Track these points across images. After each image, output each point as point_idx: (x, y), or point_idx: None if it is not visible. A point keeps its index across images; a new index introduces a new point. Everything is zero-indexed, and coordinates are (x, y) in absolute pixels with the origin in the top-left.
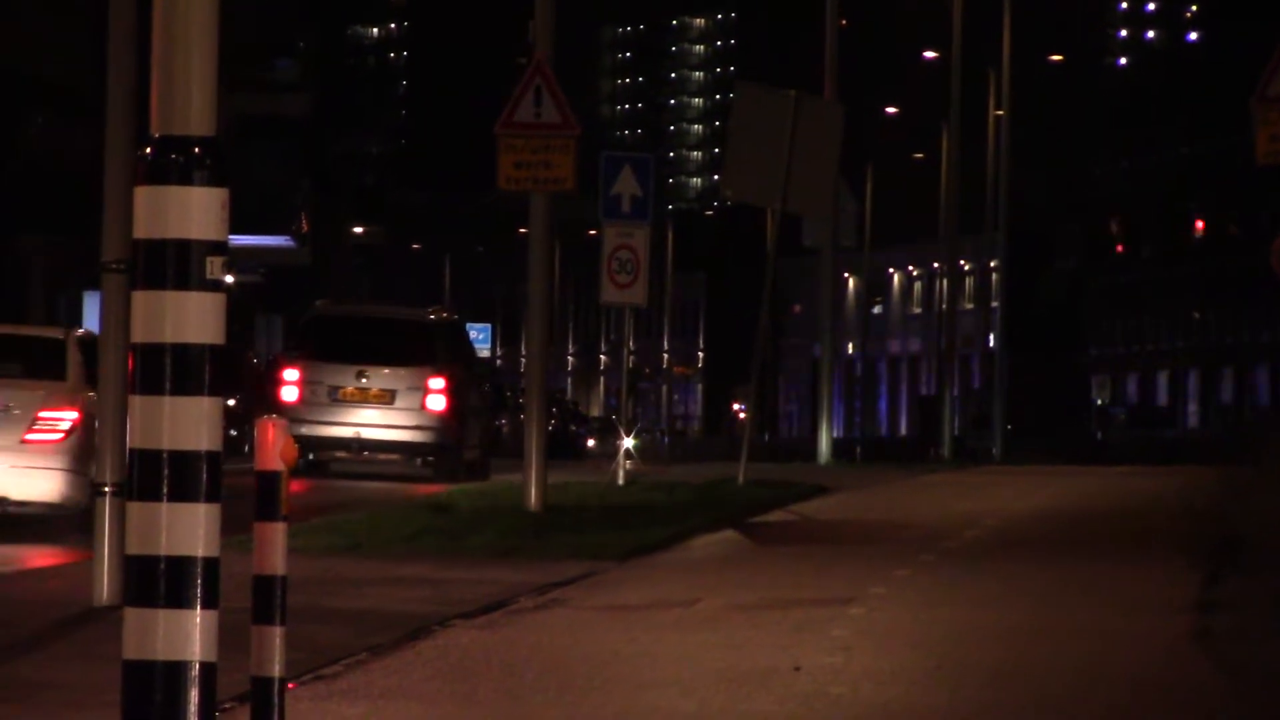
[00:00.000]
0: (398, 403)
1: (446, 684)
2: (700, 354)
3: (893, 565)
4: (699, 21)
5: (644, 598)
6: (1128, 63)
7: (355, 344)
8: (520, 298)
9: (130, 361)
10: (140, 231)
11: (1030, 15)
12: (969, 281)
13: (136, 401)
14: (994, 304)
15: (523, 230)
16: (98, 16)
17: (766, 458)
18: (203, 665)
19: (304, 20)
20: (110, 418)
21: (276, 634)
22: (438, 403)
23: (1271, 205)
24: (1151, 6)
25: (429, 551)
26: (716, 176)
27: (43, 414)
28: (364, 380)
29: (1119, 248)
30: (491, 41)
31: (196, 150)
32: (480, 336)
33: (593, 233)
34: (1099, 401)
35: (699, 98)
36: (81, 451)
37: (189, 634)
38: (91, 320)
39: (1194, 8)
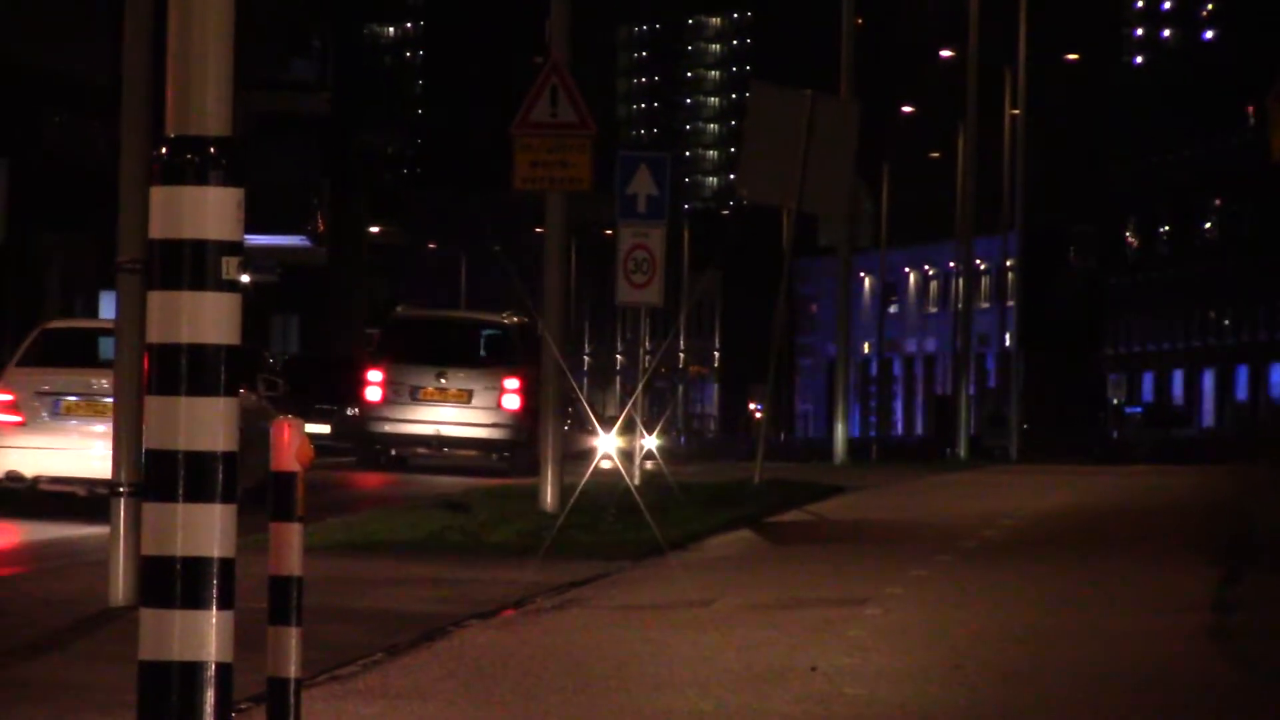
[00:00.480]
0: (475, 401)
1: (463, 684)
2: (716, 353)
3: (910, 565)
4: (715, 20)
5: (660, 598)
6: (1144, 61)
7: (434, 346)
8: (536, 297)
9: (146, 361)
10: (156, 231)
11: (1046, 14)
12: (985, 281)
13: (152, 402)
14: (1010, 303)
15: (539, 230)
16: (115, 14)
17: (783, 457)
18: (219, 666)
19: (321, 19)
20: (126, 418)
21: (293, 634)
22: (513, 401)
23: None
24: (1167, 5)
25: (445, 551)
26: (732, 176)
27: None
28: (443, 380)
29: (1135, 246)
30: (508, 41)
31: (212, 150)
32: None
33: (609, 232)
34: (1115, 400)
35: (715, 97)
36: None
37: (205, 634)
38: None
39: (1210, 6)
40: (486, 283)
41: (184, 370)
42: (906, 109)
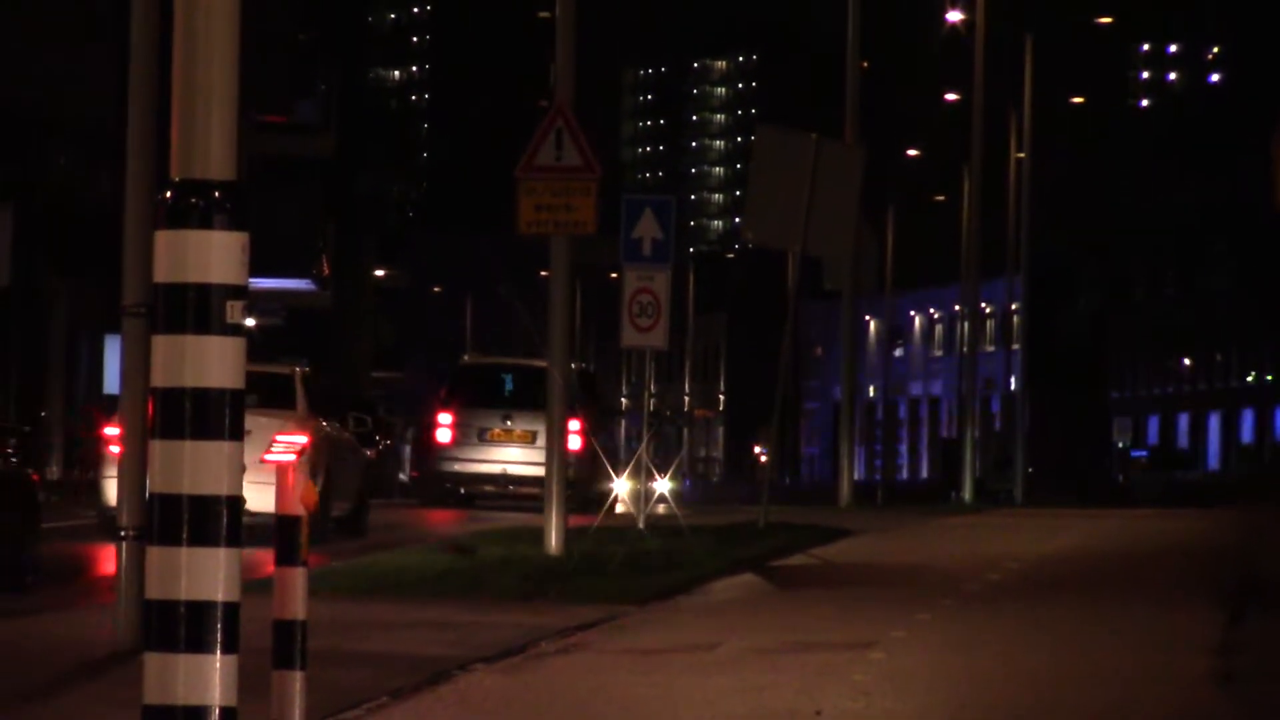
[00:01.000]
0: (538, 442)
1: None
2: (721, 396)
3: (914, 609)
4: (720, 64)
5: (665, 641)
6: (1149, 104)
7: (500, 391)
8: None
9: (150, 406)
10: (160, 275)
11: (1052, 57)
12: (990, 323)
13: (157, 446)
14: (1015, 346)
15: (544, 273)
16: (120, 58)
17: (788, 500)
18: (223, 710)
19: (326, 62)
20: (131, 462)
21: (297, 678)
22: (574, 442)
23: None
24: (1173, 48)
25: (450, 595)
26: (738, 219)
27: (279, 437)
28: (509, 423)
29: (1140, 289)
30: (513, 84)
31: (217, 194)
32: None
33: (614, 275)
34: (1120, 444)
35: (720, 140)
36: (311, 470)
37: (209, 678)
38: (112, 363)
39: (1215, 49)
40: (492, 324)
41: (188, 414)
42: (911, 152)
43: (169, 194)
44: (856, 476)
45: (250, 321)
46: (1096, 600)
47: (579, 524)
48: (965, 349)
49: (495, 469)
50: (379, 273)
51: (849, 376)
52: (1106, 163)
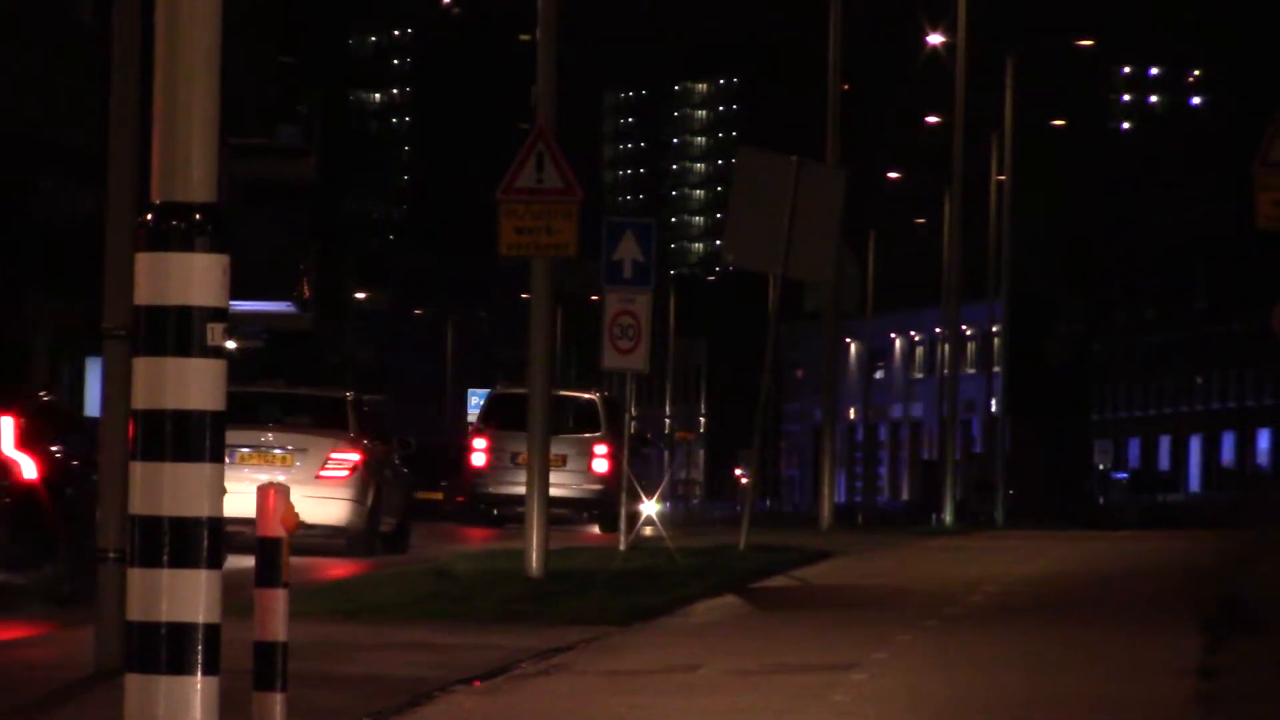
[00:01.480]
0: (568, 465)
1: None
2: (702, 419)
3: (895, 630)
4: (701, 86)
5: (646, 663)
6: (1131, 127)
7: None
8: (522, 362)
9: (131, 428)
10: (141, 298)
11: (1033, 80)
12: (971, 346)
13: (138, 468)
14: (996, 369)
15: (525, 295)
16: (103, 80)
17: (768, 523)
18: None
19: (307, 85)
20: (112, 484)
21: (278, 700)
22: (601, 465)
23: (1273, 269)
24: (1155, 71)
25: (431, 616)
26: (718, 241)
27: (333, 455)
28: None
29: (1122, 312)
30: (494, 106)
31: (198, 216)
32: (479, 402)
33: (595, 298)
34: (1101, 466)
35: (701, 163)
36: (362, 486)
37: (190, 700)
38: (94, 386)
39: (1197, 72)
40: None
41: (169, 436)
42: (893, 174)
43: (150, 216)
44: (837, 499)
45: (231, 344)
46: (1076, 622)
47: (603, 542)
48: (946, 371)
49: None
50: (360, 295)
51: (829, 399)
52: (1087, 186)
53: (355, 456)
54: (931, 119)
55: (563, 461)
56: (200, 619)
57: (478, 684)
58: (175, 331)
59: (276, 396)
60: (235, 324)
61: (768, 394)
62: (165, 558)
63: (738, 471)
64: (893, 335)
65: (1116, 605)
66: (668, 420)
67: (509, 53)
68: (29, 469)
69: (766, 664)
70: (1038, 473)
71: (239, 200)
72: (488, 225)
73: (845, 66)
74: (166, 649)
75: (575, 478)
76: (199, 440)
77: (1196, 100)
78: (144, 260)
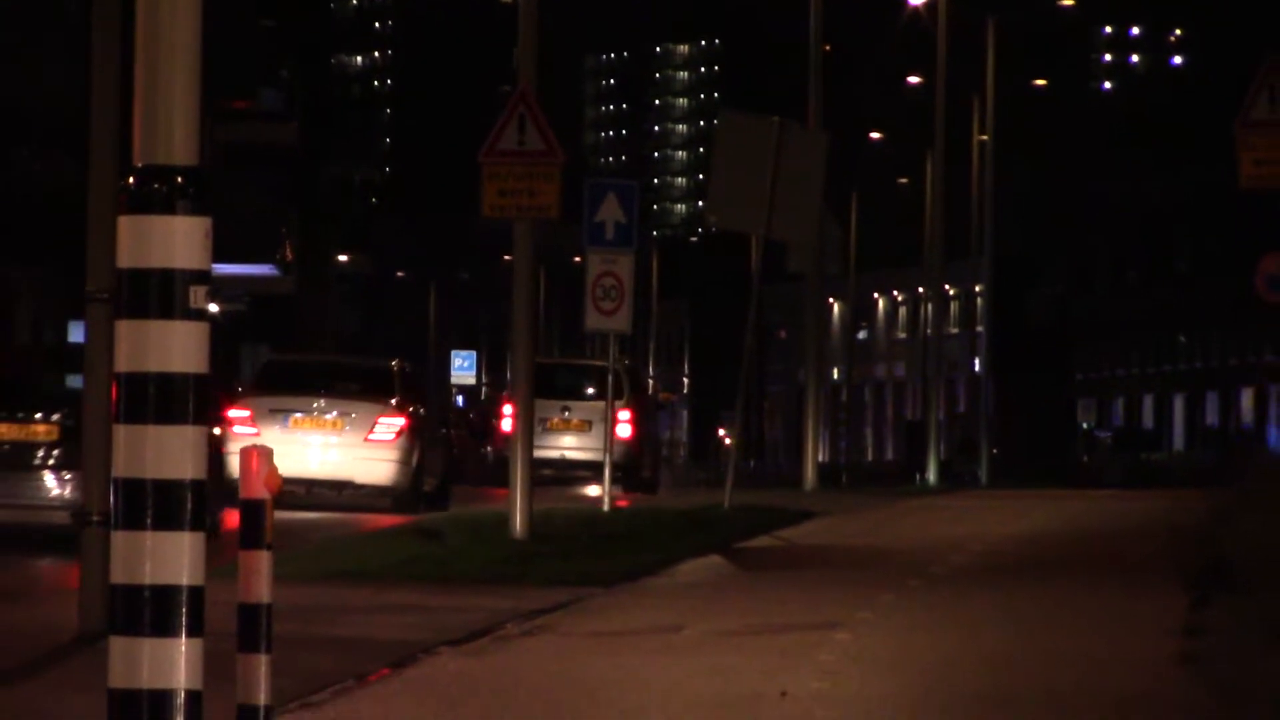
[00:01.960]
0: (593, 430)
1: (434, 711)
2: (685, 380)
3: (879, 590)
4: (683, 48)
5: (630, 624)
6: (1112, 87)
7: (559, 385)
8: (505, 324)
9: (114, 390)
10: (124, 261)
11: (1014, 40)
12: (954, 306)
13: (121, 430)
14: (979, 328)
15: (507, 257)
16: (83, 43)
17: (752, 484)
18: (188, 694)
19: (288, 49)
20: (95, 448)
21: (262, 662)
22: (625, 430)
23: (1255, 229)
24: (1136, 31)
25: (416, 579)
26: (701, 203)
27: (380, 420)
28: (567, 413)
29: (1104, 271)
30: (476, 69)
31: (179, 179)
32: (465, 364)
33: (578, 260)
34: (1085, 425)
35: (683, 124)
36: (407, 448)
37: (174, 662)
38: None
39: (1178, 32)
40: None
41: (152, 399)
42: (875, 136)
43: (132, 180)
44: (821, 459)
45: (214, 307)
46: (1061, 582)
47: (624, 504)
48: (929, 331)
49: (555, 454)
50: (342, 258)
51: (813, 359)
52: (1070, 146)
53: (401, 421)
54: (913, 80)
55: (588, 427)
56: (184, 581)
57: (463, 645)
58: (158, 294)
59: (329, 365)
60: (218, 287)
61: (751, 355)
62: (149, 520)
63: (721, 432)
64: (876, 295)
65: (1101, 564)
66: (651, 381)
67: (490, 15)
68: None
69: (751, 624)
70: (1021, 432)
71: (221, 164)
72: (470, 188)
73: (827, 28)
74: (150, 611)
75: (600, 441)
76: (182, 402)
77: (1178, 60)
78: (126, 223)
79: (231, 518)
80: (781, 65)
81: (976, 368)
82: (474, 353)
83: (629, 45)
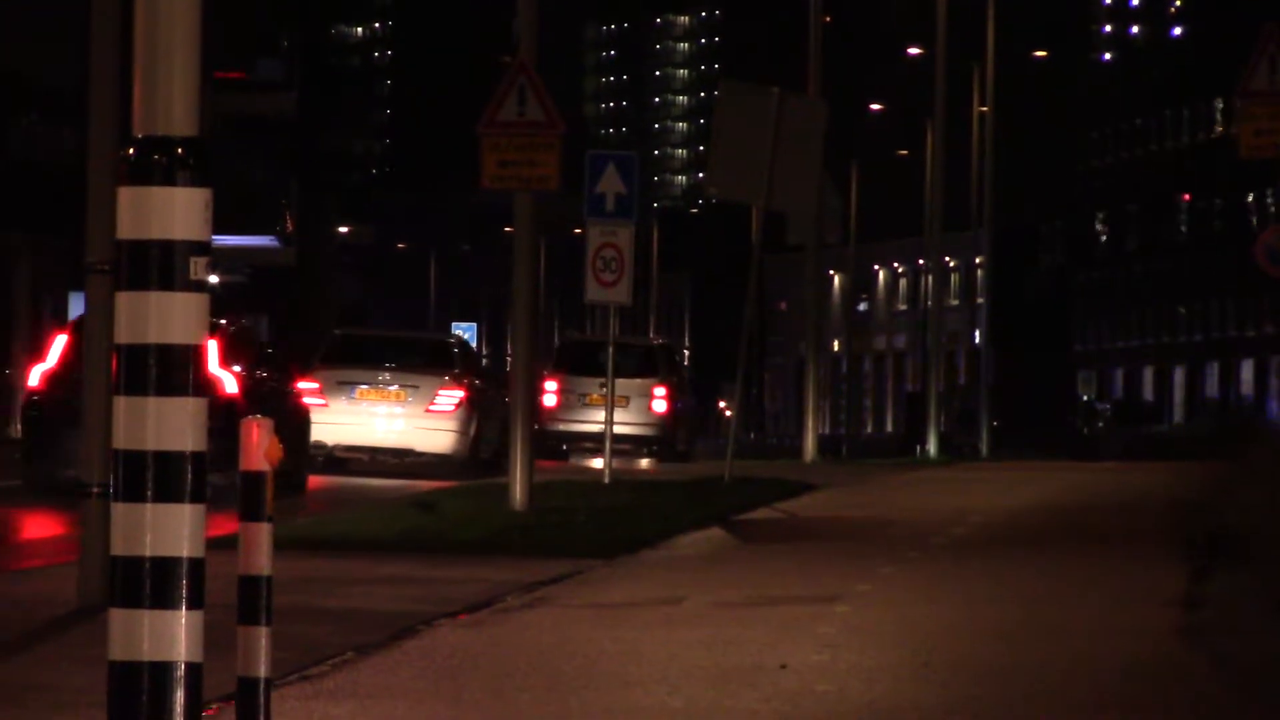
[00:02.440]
0: (631, 406)
1: (433, 683)
2: (685, 352)
3: (879, 562)
4: (683, 19)
5: (630, 596)
6: (1112, 58)
7: (598, 361)
8: (505, 296)
9: (114, 362)
10: (124, 232)
11: (1014, 11)
12: (954, 278)
13: (121, 402)
14: (980, 300)
15: (508, 229)
16: (83, 15)
17: (753, 455)
18: (188, 666)
19: (288, 20)
20: (95, 419)
21: (262, 634)
22: (660, 406)
23: (1256, 200)
24: (1135, 2)
25: (416, 551)
26: (701, 174)
27: (441, 391)
28: (605, 389)
29: (1104, 243)
30: (476, 40)
31: (179, 150)
32: (465, 337)
33: (578, 231)
34: (1085, 397)
35: (683, 95)
36: (466, 418)
37: (174, 635)
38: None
39: (1178, 3)
40: (456, 281)
41: (152, 370)
42: (875, 106)
43: (132, 150)
44: (821, 431)
45: (214, 278)
46: (1061, 553)
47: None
48: (929, 303)
49: (594, 428)
50: (343, 230)
51: (813, 331)
52: (1071, 116)
53: (460, 393)
54: (913, 50)
55: (625, 402)
56: (184, 553)
57: (462, 617)
58: (158, 265)
59: (392, 339)
60: (218, 258)
61: (751, 326)
62: (149, 492)
63: (721, 404)
64: (876, 267)
65: (1101, 536)
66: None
67: None
68: (230, 384)
69: (751, 596)
70: (1021, 404)
71: (221, 135)
72: (470, 159)
73: None
74: (150, 583)
75: (637, 415)
76: (182, 373)
77: (1177, 31)
78: (126, 194)
79: (312, 480)
80: (781, 36)
81: (977, 340)
82: (474, 325)
83: (629, 16)
